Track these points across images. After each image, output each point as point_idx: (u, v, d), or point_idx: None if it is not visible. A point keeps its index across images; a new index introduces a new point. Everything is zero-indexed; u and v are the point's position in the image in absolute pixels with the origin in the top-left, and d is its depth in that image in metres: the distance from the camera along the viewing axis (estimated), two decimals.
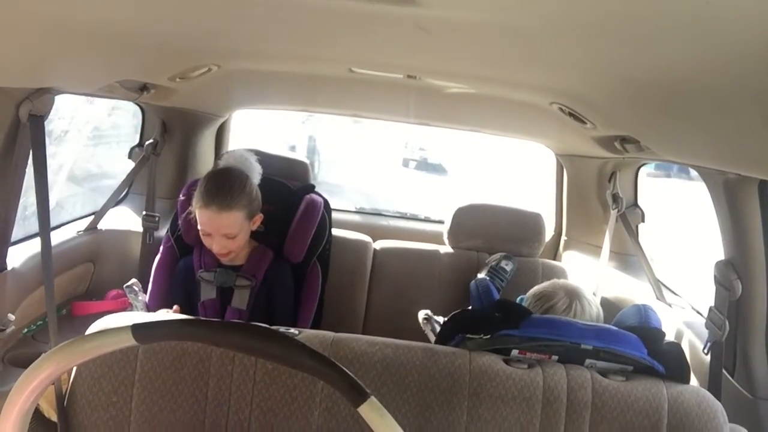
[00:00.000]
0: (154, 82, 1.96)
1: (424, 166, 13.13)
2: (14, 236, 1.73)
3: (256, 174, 2.00)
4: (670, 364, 1.37)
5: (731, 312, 1.64)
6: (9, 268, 1.71)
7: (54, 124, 2.99)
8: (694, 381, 1.61)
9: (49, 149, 1.52)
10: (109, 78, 1.73)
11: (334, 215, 2.36)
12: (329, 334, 1.39)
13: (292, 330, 1.37)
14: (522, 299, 1.69)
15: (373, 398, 0.79)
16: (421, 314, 2.24)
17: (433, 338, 2.09)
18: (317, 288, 2.15)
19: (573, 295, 1.60)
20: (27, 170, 1.59)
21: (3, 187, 1.56)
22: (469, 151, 12.03)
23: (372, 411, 0.78)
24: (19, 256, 1.81)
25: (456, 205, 2.59)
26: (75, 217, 2.43)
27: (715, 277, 1.69)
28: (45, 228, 1.54)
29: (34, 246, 1.82)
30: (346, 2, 0.99)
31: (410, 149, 13.10)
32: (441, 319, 2.18)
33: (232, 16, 1.27)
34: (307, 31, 1.35)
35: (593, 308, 1.61)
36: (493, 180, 10.70)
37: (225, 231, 1.85)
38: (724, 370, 1.68)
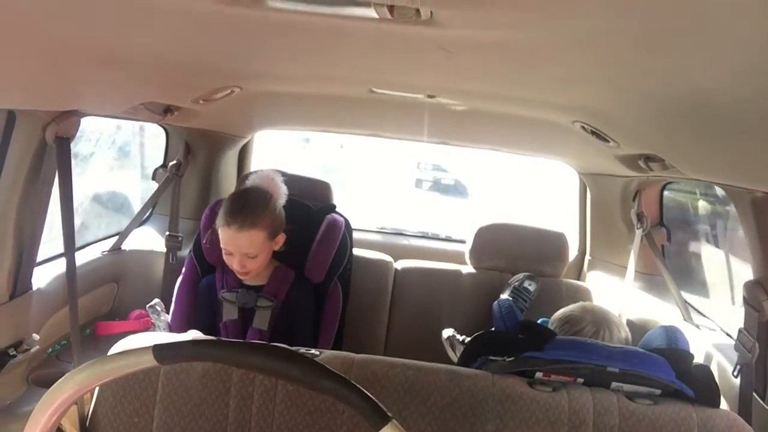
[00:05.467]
0: (177, 104, 1.99)
1: (438, 187, 12.90)
2: (39, 256, 1.75)
3: (282, 195, 1.99)
4: (699, 387, 1.34)
5: (761, 333, 1.60)
6: (34, 288, 1.73)
7: None
8: (723, 404, 1.57)
9: None
10: (134, 100, 1.76)
11: (355, 235, 2.36)
12: (350, 356, 1.38)
13: (313, 351, 1.37)
14: (545, 321, 1.66)
15: (394, 421, 0.77)
16: (445, 333, 2.22)
17: (455, 358, 2.07)
18: (338, 308, 2.14)
19: (600, 321, 1.57)
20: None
21: (29, 209, 1.59)
22: (487, 170, 11.85)
23: None
24: (44, 276, 1.83)
25: (478, 224, 2.57)
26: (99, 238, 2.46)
27: (744, 298, 1.65)
28: (70, 248, 1.56)
29: (59, 266, 1.84)
30: (366, 24, 1.00)
31: (423, 169, 12.87)
32: (463, 338, 2.16)
33: (255, 39, 1.28)
34: (328, 52, 1.36)
35: (621, 333, 1.58)
36: (514, 201, 10.54)
37: (246, 250, 1.85)
38: (754, 394, 1.63)
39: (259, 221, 1.84)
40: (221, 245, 1.88)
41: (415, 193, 12.20)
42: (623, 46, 0.95)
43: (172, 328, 2.04)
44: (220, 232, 1.87)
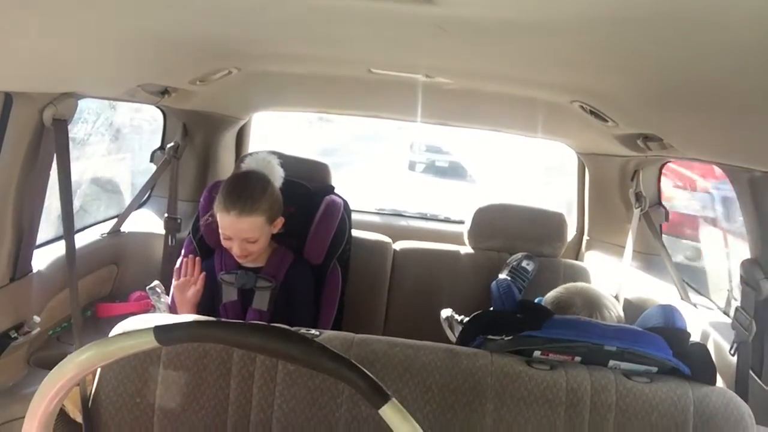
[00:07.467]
0: (175, 86, 1.97)
1: (433, 169, 12.65)
2: (39, 239, 1.75)
3: (278, 178, 1.99)
4: (695, 365, 1.35)
5: (758, 312, 1.61)
6: (34, 270, 1.73)
7: None
8: (720, 382, 1.58)
9: None
10: (131, 82, 1.75)
11: (354, 216, 2.36)
12: (350, 336, 1.39)
13: (313, 331, 1.38)
14: (540, 301, 1.67)
15: (394, 400, 0.78)
16: (444, 313, 2.23)
17: (453, 338, 2.08)
18: (338, 289, 2.14)
19: (591, 306, 1.57)
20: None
21: (28, 191, 1.59)
22: (485, 150, 11.64)
23: (393, 413, 0.78)
24: (44, 258, 1.83)
25: (476, 205, 2.58)
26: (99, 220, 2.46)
27: (741, 276, 1.66)
28: (69, 231, 1.56)
29: (59, 249, 1.84)
30: (364, 3, 0.99)
31: (416, 151, 12.59)
32: (462, 318, 2.18)
33: (252, 20, 1.27)
34: (326, 32, 1.35)
35: (613, 315, 1.58)
36: (513, 181, 10.44)
37: (245, 235, 1.85)
38: (751, 371, 1.65)
39: (259, 206, 1.84)
40: (220, 230, 1.88)
41: (407, 177, 11.88)
42: (622, 28, 0.95)
43: (171, 309, 2.05)
44: (219, 217, 1.87)
